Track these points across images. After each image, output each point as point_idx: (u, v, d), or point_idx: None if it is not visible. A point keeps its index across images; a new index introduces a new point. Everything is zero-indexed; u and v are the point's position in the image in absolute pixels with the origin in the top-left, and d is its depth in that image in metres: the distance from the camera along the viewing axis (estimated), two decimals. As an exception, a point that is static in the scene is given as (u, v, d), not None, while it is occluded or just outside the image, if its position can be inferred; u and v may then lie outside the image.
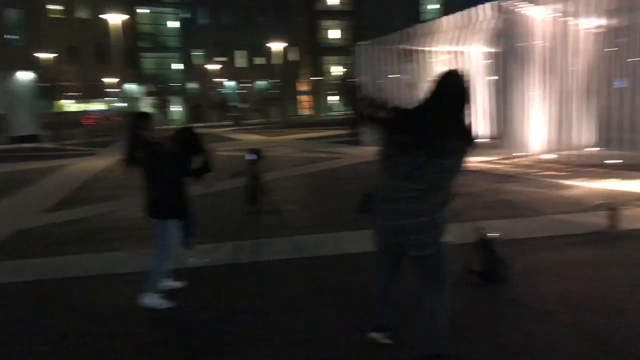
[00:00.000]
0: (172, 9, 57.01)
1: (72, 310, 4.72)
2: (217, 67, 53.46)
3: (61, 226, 8.50)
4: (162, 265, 4.68)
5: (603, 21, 12.55)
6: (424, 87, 16.08)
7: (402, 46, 20.68)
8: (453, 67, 3.18)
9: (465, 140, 3.02)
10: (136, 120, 4.78)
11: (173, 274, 4.99)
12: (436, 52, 21.14)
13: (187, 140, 5.10)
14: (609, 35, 12.37)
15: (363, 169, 13.40)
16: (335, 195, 10.06)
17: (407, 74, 21.14)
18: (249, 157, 5.01)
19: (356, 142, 19.68)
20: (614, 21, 12.73)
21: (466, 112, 3.03)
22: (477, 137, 3.06)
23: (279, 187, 10.09)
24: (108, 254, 6.65)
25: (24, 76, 41.06)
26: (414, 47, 20.87)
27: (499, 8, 13.89)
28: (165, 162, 4.69)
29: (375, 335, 3.56)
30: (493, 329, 3.88)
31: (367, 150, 17.60)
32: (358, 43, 21.02)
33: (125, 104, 24.63)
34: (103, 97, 49.87)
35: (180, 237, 4.89)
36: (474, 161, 13.67)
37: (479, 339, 3.73)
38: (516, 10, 13.37)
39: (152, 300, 4.59)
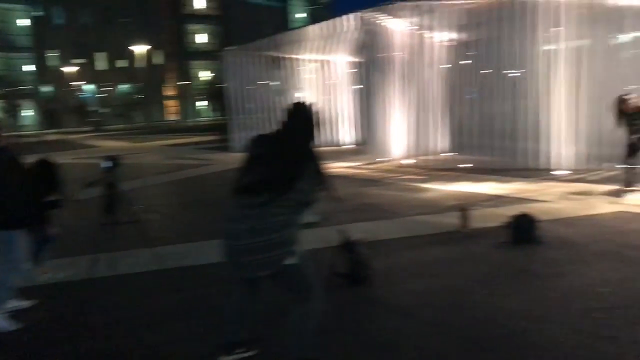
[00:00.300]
0: (22, 6, 52.63)
1: None
2: (75, 69, 50.16)
3: None
4: (7, 281, 4.23)
5: (455, 35, 13.54)
6: (293, 94, 16.24)
7: (270, 53, 20.79)
8: (300, 100, 3.33)
9: (312, 164, 3.08)
10: None
11: (20, 293, 4.53)
12: (304, 60, 21.54)
13: (43, 173, 4.71)
14: (461, 48, 13.37)
15: (232, 176, 13.22)
16: (202, 203, 9.81)
17: (276, 80, 21.30)
18: (104, 164, 4.68)
19: (225, 149, 19.43)
20: (465, 35, 13.80)
21: (315, 137, 3.15)
22: (322, 165, 3.15)
23: (142, 196, 9.62)
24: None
25: None
26: (281, 55, 21.08)
27: (361, 19, 14.45)
28: (9, 169, 4.25)
29: (228, 358, 3.38)
30: (358, 328, 3.96)
31: (237, 157, 17.44)
32: (226, 48, 20.79)
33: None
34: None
35: (29, 251, 4.45)
36: (339, 167, 14.06)
37: (345, 338, 3.78)
38: (377, 22, 13.99)
39: None
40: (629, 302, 4.15)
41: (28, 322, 4.27)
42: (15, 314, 4.32)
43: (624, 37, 11.42)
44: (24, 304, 4.54)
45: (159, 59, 57.26)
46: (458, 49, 13.39)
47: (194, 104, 60.32)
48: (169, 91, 59.86)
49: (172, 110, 60.41)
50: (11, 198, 4.23)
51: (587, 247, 5.66)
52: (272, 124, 20.68)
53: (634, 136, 8.28)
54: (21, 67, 52.97)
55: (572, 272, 4.89)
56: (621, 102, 8.37)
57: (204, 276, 5.27)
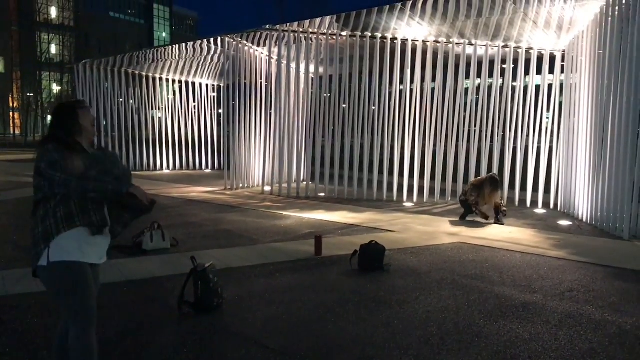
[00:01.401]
0: None
1: None
2: None
3: None
4: None
5: (316, 68, 13.97)
6: (151, 113, 15.62)
7: (129, 69, 19.98)
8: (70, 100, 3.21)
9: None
10: None
11: None
12: (166, 79, 20.99)
13: None
14: (322, 81, 13.82)
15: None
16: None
17: (134, 99, 20.48)
18: None
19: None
20: (326, 69, 14.30)
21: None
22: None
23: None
24: None
25: None
26: (142, 72, 20.36)
27: (224, 43, 14.41)
28: None
29: None
30: (204, 358, 3.80)
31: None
32: (83, 62, 19.59)
33: None
34: None
35: None
36: (198, 191, 13.76)
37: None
38: (240, 47, 14.04)
39: None
40: (464, 327, 4.44)
41: None
42: None
43: (469, 83, 12.58)
44: None
45: (2, 66, 52.40)
46: (320, 81, 13.81)
47: (43, 117, 55.80)
48: (14, 103, 54.79)
49: (16, 123, 55.28)
50: None
51: (429, 275, 6.01)
52: (127, 143, 19.77)
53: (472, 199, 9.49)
54: None
55: (415, 300, 5.14)
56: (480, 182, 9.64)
57: (28, 306, 4.78)
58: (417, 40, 12.11)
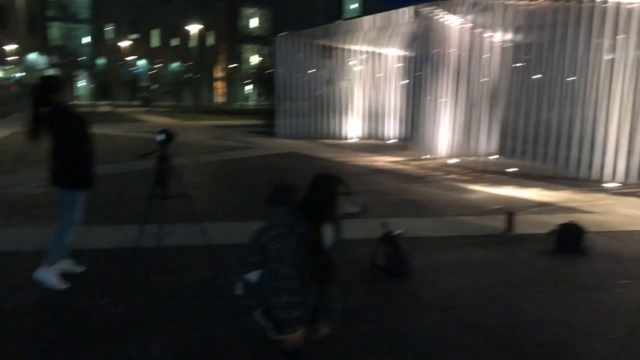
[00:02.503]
0: (84, -21, 54.05)
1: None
2: (129, 44, 51.23)
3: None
4: (64, 238, 4.43)
5: (512, 36, 13.24)
6: (341, 85, 16.23)
7: (321, 41, 20.80)
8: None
9: None
10: (45, 84, 4.40)
11: (73, 257, 4.70)
12: (355, 50, 21.46)
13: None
14: (517, 50, 13.08)
15: (275, 161, 13.35)
16: (245, 184, 9.94)
17: (325, 70, 21.30)
18: (159, 137, 4.77)
19: (270, 134, 19.62)
20: (522, 37, 13.48)
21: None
22: None
23: (188, 173, 9.82)
24: (2, 229, 6.19)
25: None
26: (333, 44, 21.06)
27: (417, 13, 14.29)
28: (75, 130, 4.40)
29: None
30: (396, 321, 3.95)
31: (280, 142, 17.56)
32: (279, 35, 20.87)
33: (26, 74, 23.02)
34: (3, 65, 46.44)
35: (84, 212, 4.62)
36: (382, 160, 14.01)
37: (384, 330, 3.79)
38: (433, 17, 13.81)
39: (47, 276, 4.35)
40: (679, 322, 4.02)
41: (74, 283, 4.45)
42: (65, 274, 4.50)
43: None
44: (77, 268, 4.70)
45: (211, 40, 57.92)
46: (514, 51, 13.09)
47: (242, 87, 60.89)
48: (219, 73, 60.57)
49: (220, 91, 61.16)
50: (78, 159, 4.39)
51: (636, 263, 5.50)
52: (317, 112, 20.75)
53: None
54: (79, 39, 54.37)
55: (619, 287, 4.76)
56: None
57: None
58: (635, 3, 10.80)
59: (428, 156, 14.14)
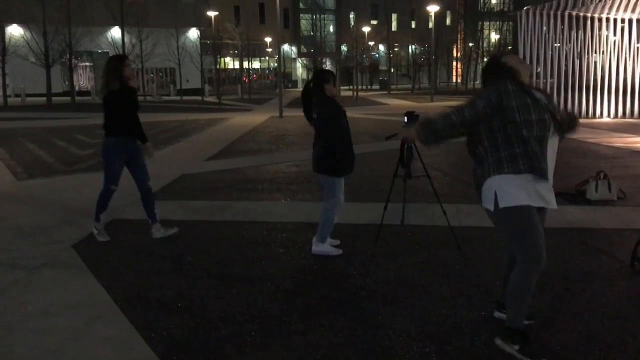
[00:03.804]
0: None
1: (231, 249, 5.12)
2: (369, 30, 53.27)
3: (219, 174, 9.21)
4: (330, 218, 4.91)
5: None
6: (591, 57, 14.78)
7: (570, 12, 19.06)
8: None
9: None
10: (321, 77, 4.86)
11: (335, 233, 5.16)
12: (610, 19, 19.23)
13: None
14: None
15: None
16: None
17: (572, 42, 19.49)
18: (405, 119, 4.94)
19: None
20: None
21: None
22: None
23: (428, 154, 9.97)
24: (260, 202, 7.10)
25: (192, 33, 44.10)
26: (583, 14, 19.16)
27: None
28: (336, 119, 4.81)
29: (499, 314, 3.52)
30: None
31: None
32: (525, 8, 19.64)
33: (279, 64, 25.62)
34: (262, 56, 52.40)
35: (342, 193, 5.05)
36: (637, 141, 12.45)
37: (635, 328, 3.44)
38: None
39: (323, 248, 4.94)
40: None
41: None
42: (338, 246, 5.05)
43: None
44: (332, 242, 5.15)
45: (449, 20, 57.17)
46: None
47: (481, 67, 58.93)
48: (456, 53, 59.61)
49: (457, 72, 60.22)
50: (340, 147, 4.80)
51: None
52: (566, 89, 19.15)
53: None
54: (326, 28, 58.34)
55: None
56: None
57: (487, 238, 5.28)
58: None
59: None
